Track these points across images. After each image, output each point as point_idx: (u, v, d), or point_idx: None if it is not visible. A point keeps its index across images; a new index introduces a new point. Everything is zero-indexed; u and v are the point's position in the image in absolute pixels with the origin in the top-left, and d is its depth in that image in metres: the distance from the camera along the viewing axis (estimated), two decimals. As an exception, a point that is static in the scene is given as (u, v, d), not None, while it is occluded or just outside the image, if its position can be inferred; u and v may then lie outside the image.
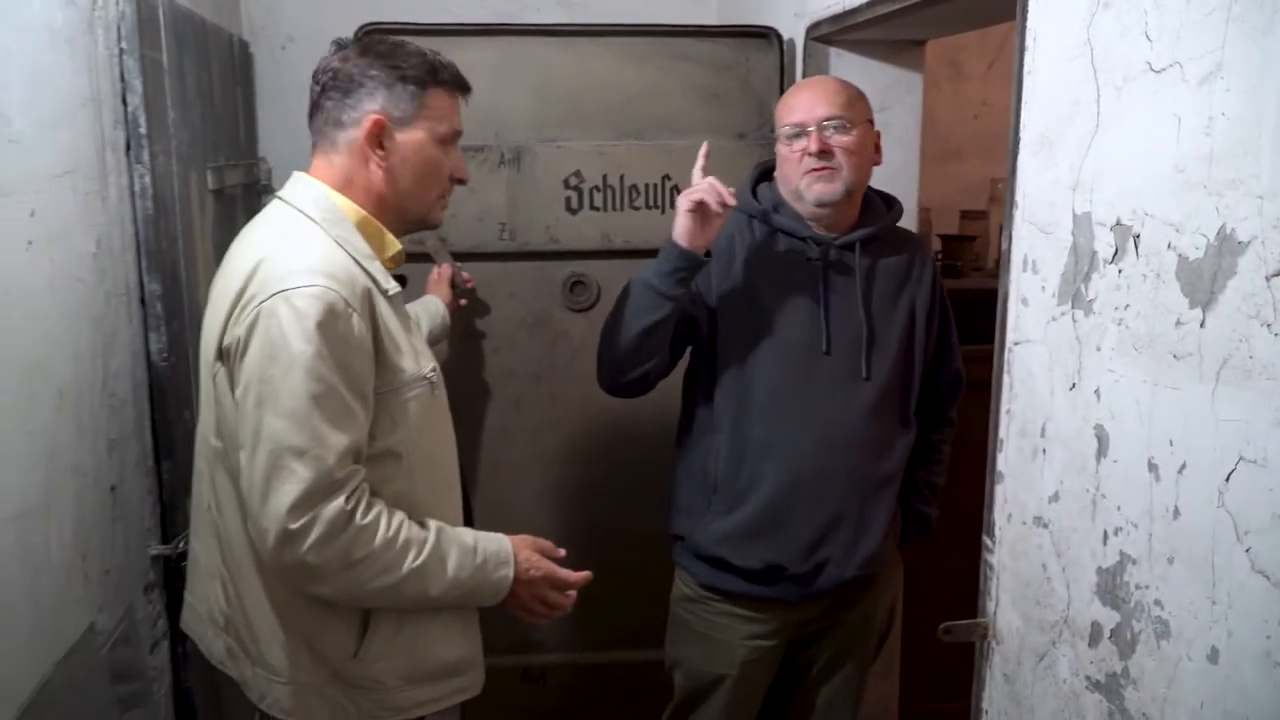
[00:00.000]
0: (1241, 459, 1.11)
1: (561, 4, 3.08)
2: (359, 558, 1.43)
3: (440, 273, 2.48)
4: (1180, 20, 1.18)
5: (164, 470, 1.97)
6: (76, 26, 1.62)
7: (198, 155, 2.18)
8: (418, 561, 1.49)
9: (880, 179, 2.12)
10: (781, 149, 1.96)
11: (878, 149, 2.00)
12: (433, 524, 1.55)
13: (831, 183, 1.90)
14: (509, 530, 1.68)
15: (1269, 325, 1.06)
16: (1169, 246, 1.21)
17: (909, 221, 2.50)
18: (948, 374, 2.15)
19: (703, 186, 1.83)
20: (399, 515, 1.50)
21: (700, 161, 1.90)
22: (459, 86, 1.63)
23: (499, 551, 1.61)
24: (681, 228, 1.85)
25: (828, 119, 1.89)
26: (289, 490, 1.37)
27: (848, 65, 2.45)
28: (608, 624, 2.67)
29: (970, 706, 1.73)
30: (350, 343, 1.43)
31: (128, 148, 1.83)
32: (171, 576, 1.99)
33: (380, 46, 1.57)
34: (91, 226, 1.68)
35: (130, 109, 1.82)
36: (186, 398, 2.02)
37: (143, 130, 1.84)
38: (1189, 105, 1.17)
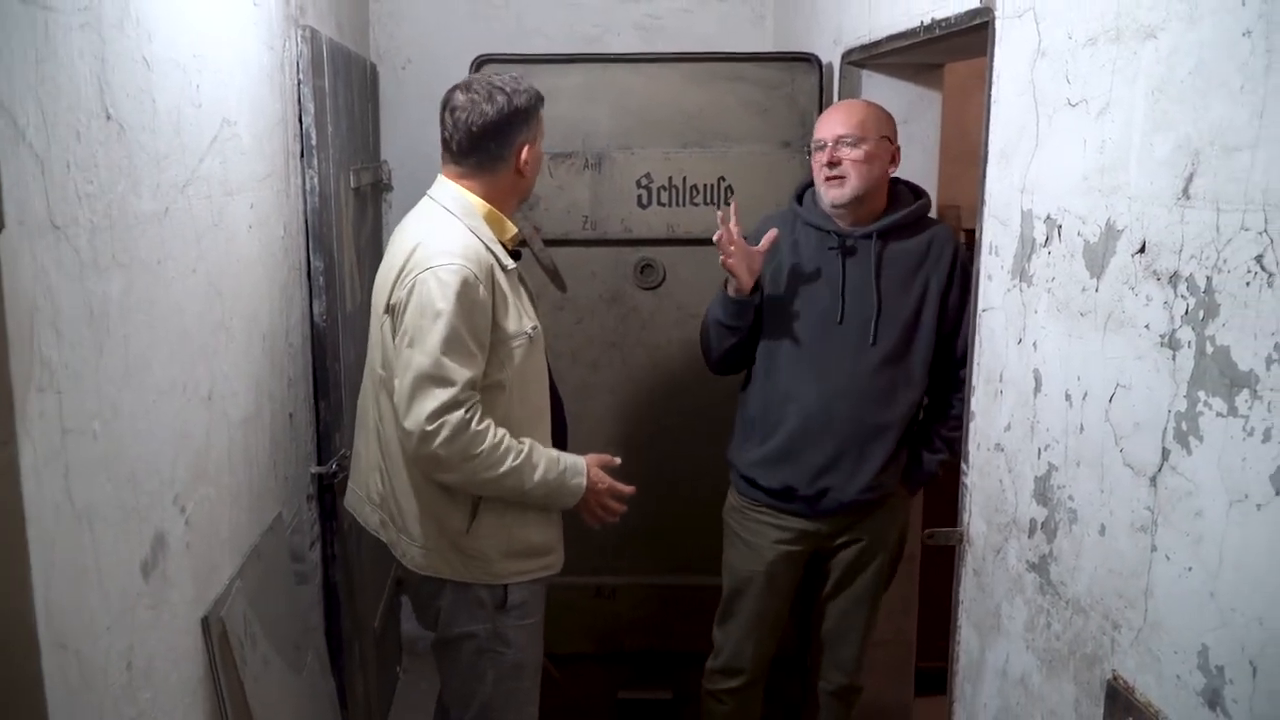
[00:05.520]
0: (1118, 385, 1.50)
1: (638, 28, 3.54)
2: (474, 453, 1.96)
3: None
4: (1086, 69, 1.59)
5: (320, 407, 2.52)
6: (274, 65, 2.15)
7: (345, 160, 2.72)
8: (516, 462, 2.02)
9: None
10: (812, 159, 2.44)
11: (894, 160, 2.43)
12: (528, 441, 2.08)
13: (841, 188, 2.37)
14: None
15: (1133, 288, 1.47)
16: (1078, 234, 1.60)
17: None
18: (965, 340, 2.46)
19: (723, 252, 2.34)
20: (503, 430, 2.03)
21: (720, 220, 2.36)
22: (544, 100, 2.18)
23: (575, 464, 2.15)
24: (733, 282, 2.38)
25: (840, 137, 2.35)
26: (428, 403, 1.92)
27: (877, 85, 2.88)
28: (668, 551, 3.17)
29: (952, 599, 2.18)
30: (475, 305, 1.97)
31: (302, 155, 2.37)
32: (324, 492, 2.54)
33: (508, 88, 2.07)
34: (280, 216, 2.21)
35: (305, 126, 2.36)
36: (337, 351, 2.56)
37: (313, 142, 2.37)
38: (1091, 131, 1.57)
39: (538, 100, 2.12)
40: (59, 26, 1.17)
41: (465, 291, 1.94)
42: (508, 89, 2.07)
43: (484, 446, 1.97)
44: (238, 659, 1.73)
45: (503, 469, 2.00)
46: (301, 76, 2.33)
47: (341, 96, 2.68)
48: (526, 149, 2.11)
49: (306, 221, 2.41)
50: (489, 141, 2.07)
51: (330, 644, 2.57)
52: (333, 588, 2.58)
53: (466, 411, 1.95)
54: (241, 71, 1.91)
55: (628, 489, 2.24)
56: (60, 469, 1.16)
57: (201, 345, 1.68)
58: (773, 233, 2.37)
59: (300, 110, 2.34)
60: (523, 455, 2.04)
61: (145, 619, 1.41)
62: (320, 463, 2.52)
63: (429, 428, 1.92)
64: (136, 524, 1.39)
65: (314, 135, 2.37)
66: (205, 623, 1.66)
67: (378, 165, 3.32)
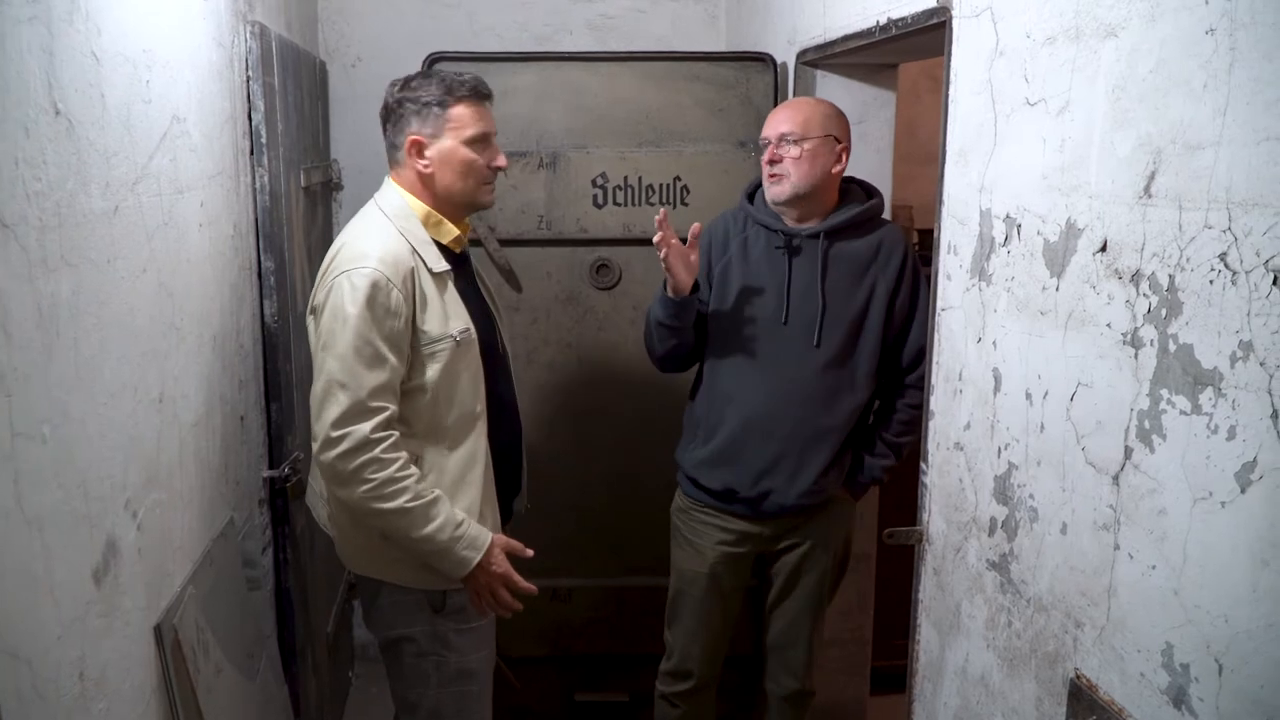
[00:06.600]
0: (1080, 384, 1.50)
1: (591, 28, 3.52)
2: (368, 477, 1.89)
3: None
4: (1045, 67, 1.59)
5: (272, 409, 2.46)
6: (223, 61, 2.10)
7: (295, 159, 2.66)
8: (409, 504, 1.92)
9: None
10: (760, 158, 2.42)
11: (841, 159, 2.39)
12: (438, 494, 1.97)
13: (780, 186, 2.35)
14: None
15: (1094, 287, 1.48)
16: (1038, 233, 1.61)
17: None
18: (914, 346, 2.45)
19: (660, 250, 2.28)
20: (415, 471, 1.94)
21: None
22: (477, 96, 2.07)
23: (477, 537, 2.02)
24: (671, 281, 2.33)
25: (783, 135, 2.34)
26: (334, 410, 1.88)
27: (831, 85, 2.89)
28: (624, 552, 3.15)
29: (911, 599, 2.19)
30: (388, 310, 1.92)
31: (251, 153, 2.32)
32: (275, 496, 2.48)
33: (412, 82, 2.04)
34: (230, 215, 2.16)
35: (254, 123, 2.30)
36: (289, 352, 2.51)
37: (263, 140, 2.32)
38: (1051, 130, 1.57)
39: (446, 95, 2.01)
40: (6, 20, 1.12)
41: (375, 296, 1.90)
42: (405, 79, 2.04)
43: (381, 476, 1.89)
44: (190, 667, 1.68)
45: (391, 505, 1.91)
46: (251, 73, 2.28)
47: (291, 94, 2.63)
48: (418, 140, 2.02)
49: (257, 220, 2.35)
50: (385, 133, 2.07)
51: (283, 650, 2.52)
52: (285, 593, 2.53)
53: (375, 430, 1.89)
54: (191, 67, 1.86)
55: (528, 587, 2.10)
56: (9, 474, 1.12)
57: (152, 347, 1.63)
58: (695, 226, 2.34)
59: (250, 107, 2.29)
60: (419, 502, 1.93)
61: (97, 627, 1.37)
62: (272, 466, 2.46)
63: (333, 434, 1.88)
64: (88, 530, 1.34)
65: (264, 133, 2.31)
66: (158, 630, 1.61)
67: (328, 164, 3.27)
